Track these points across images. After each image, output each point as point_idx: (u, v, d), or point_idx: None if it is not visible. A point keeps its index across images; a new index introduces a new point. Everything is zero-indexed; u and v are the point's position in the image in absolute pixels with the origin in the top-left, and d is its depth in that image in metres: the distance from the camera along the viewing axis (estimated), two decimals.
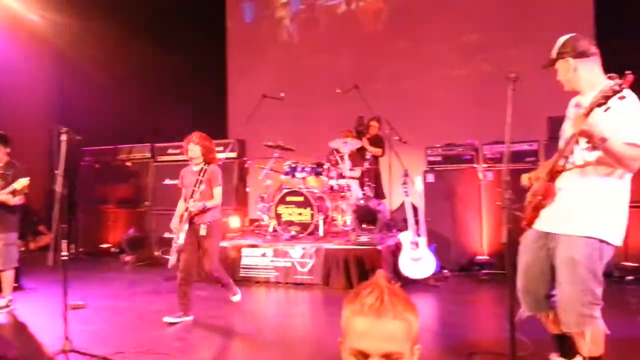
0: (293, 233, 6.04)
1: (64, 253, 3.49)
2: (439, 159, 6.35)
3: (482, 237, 5.99)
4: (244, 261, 5.78)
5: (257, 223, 6.83)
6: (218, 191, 4.36)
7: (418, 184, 5.75)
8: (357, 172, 7.14)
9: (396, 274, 5.39)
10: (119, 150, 8.03)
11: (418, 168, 6.43)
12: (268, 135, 9.08)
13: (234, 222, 6.76)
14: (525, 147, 5.70)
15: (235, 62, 9.69)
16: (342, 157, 6.69)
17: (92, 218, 7.96)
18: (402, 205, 5.84)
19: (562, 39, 2.55)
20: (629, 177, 2.45)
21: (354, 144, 6.76)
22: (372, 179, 6.98)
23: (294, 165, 6.47)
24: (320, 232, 6.07)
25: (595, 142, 2.24)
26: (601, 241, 2.42)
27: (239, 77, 9.61)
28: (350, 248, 5.45)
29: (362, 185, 6.90)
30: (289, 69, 9.30)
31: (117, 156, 8.02)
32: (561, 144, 2.56)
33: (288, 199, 6.21)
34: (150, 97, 8.45)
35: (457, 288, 5.31)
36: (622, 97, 2.16)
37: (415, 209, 5.66)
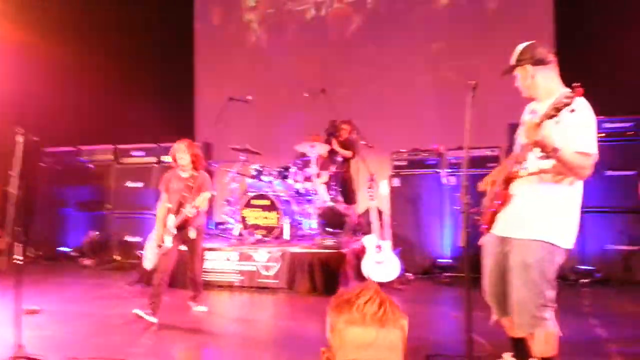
0: (258, 237, 6.01)
1: (18, 257, 3.39)
2: (404, 163, 6.43)
3: (444, 240, 6.10)
4: (208, 265, 5.70)
5: (222, 226, 6.77)
6: (207, 196, 4.45)
7: (383, 188, 5.81)
8: (325, 176, 7.16)
9: (360, 277, 5.43)
10: (80, 151, 7.83)
11: (384, 172, 6.50)
12: (235, 138, 9.05)
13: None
14: (487, 152, 5.83)
15: (202, 64, 9.58)
16: (309, 161, 6.70)
17: (51, 221, 7.73)
18: (368, 209, 5.88)
19: (520, 46, 2.61)
20: (580, 184, 2.54)
21: (321, 147, 6.78)
22: (343, 183, 7.00)
23: (260, 169, 6.45)
24: (286, 236, 6.06)
25: (547, 152, 2.32)
26: (553, 245, 2.49)
27: (206, 79, 9.51)
28: (315, 252, 5.46)
29: (330, 189, 6.93)
30: (257, 72, 9.26)
31: (78, 157, 7.82)
32: (516, 149, 2.61)
33: (254, 202, 6.18)
34: (115, 98, 8.26)
35: (419, 291, 5.39)
36: (572, 110, 2.24)
37: (380, 212, 5.72)
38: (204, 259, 5.10)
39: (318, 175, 6.99)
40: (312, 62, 8.96)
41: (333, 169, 7.04)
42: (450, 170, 6.10)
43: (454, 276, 5.67)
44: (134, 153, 7.46)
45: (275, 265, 5.51)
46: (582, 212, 5.68)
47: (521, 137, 2.56)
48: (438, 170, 6.24)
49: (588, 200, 5.64)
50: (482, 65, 7.39)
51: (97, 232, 7.35)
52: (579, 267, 5.38)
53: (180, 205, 4.37)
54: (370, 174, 6.04)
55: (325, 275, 5.30)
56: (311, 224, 6.53)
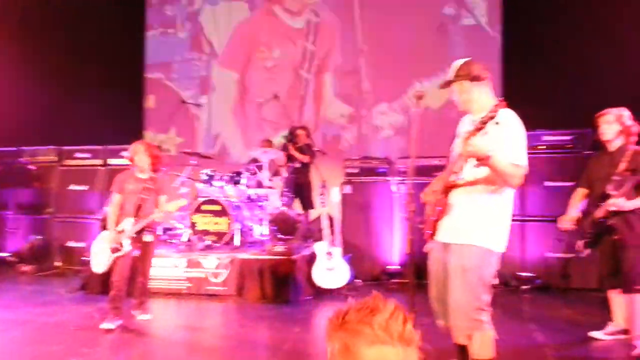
0: (208, 243, 5.91)
1: None
2: (356, 171, 6.50)
3: (394, 247, 6.20)
4: (155, 272, 5.52)
5: (170, 232, 6.61)
6: (165, 199, 4.39)
7: (335, 195, 5.85)
8: (277, 182, 7.13)
9: (310, 284, 5.43)
10: (21, 152, 7.47)
11: (335, 179, 6.55)
12: (186, 142, 8.90)
13: None
14: (435, 162, 5.97)
15: (154, 65, 9.36)
16: (261, 166, 6.66)
17: None
18: (319, 215, 5.91)
19: (458, 63, 2.75)
20: (511, 193, 2.68)
21: (273, 153, 6.76)
22: (300, 189, 6.98)
23: (211, 174, 6.35)
24: (237, 242, 5.99)
25: (481, 160, 2.46)
26: (488, 250, 2.61)
27: (157, 81, 9.30)
28: (266, 258, 5.42)
29: (283, 195, 6.91)
30: (206, 77, 9.13)
31: (19, 158, 7.46)
32: (452, 160, 2.74)
33: (204, 207, 6.07)
34: (60, 97, 7.95)
35: (367, 297, 5.42)
36: (497, 123, 2.44)
37: (331, 219, 5.76)
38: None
39: (270, 181, 6.96)
40: (266, 67, 8.94)
41: (285, 174, 7.03)
42: (400, 179, 6.22)
43: (402, 282, 5.77)
44: (78, 155, 7.17)
45: (224, 272, 5.43)
46: (524, 221, 5.94)
47: (457, 149, 2.69)
48: (388, 178, 6.34)
49: (529, 210, 5.94)
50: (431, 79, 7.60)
51: (38, 237, 7.02)
52: (520, 273, 5.60)
53: (139, 207, 4.26)
54: (322, 181, 6.08)
55: (275, 282, 5.26)
56: (262, 230, 6.49)
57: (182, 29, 9.25)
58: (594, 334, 3.88)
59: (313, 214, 6.89)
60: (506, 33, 7.69)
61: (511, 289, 5.54)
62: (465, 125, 2.79)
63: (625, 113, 3.66)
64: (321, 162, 7.13)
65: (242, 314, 4.90)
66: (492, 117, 2.39)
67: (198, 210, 6.06)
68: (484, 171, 2.55)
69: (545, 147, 5.78)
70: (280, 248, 5.51)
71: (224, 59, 9.06)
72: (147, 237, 4.33)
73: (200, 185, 6.43)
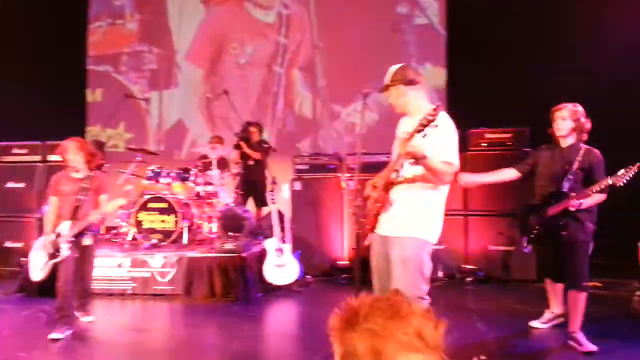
0: (154, 241, 5.77)
1: None
2: (305, 167, 6.51)
3: (344, 243, 6.26)
4: (97, 272, 5.33)
5: (114, 231, 6.41)
6: (105, 199, 4.15)
7: (285, 192, 5.85)
8: (227, 179, 7.04)
9: (260, 281, 5.41)
10: None
11: (286, 176, 6.55)
12: (131, 137, 8.63)
13: None
14: (383, 158, 6.07)
15: (101, 57, 8.98)
16: (210, 163, 6.55)
17: None
18: (270, 212, 5.89)
19: (393, 68, 2.92)
20: (445, 188, 2.87)
21: (222, 149, 6.67)
22: (254, 186, 6.90)
23: (158, 170, 6.19)
24: (185, 240, 5.88)
25: (418, 159, 2.62)
26: (426, 241, 2.80)
27: (104, 74, 8.96)
28: (215, 256, 5.34)
29: (233, 191, 6.84)
30: (158, 70, 8.89)
31: None
32: (393, 158, 2.89)
33: (150, 205, 5.91)
34: None
35: (317, 293, 5.48)
36: (436, 126, 2.62)
37: (281, 216, 5.75)
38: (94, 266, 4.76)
39: (220, 178, 6.87)
40: (217, 62, 8.80)
41: (236, 171, 6.95)
42: (349, 175, 6.29)
43: (352, 277, 5.84)
44: (15, 151, 6.80)
45: (171, 270, 5.32)
46: (468, 216, 6.13)
47: (397, 149, 2.86)
48: (338, 175, 6.40)
49: (472, 204, 6.14)
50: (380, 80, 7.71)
51: None
52: (464, 266, 5.79)
53: (76, 209, 4.00)
54: (272, 177, 6.06)
55: (225, 280, 5.20)
56: (211, 227, 6.40)
57: (132, 19, 8.93)
58: (533, 323, 4.06)
59: (265, 211, 6.86)
60: (451, 33, 7.91)
61: (455, 282, 5.72)
62: (403, 126, 2.95)
63: (580, 109, 3.60)
64: (271, 158, 7.11)
65: (190, 313, 4.82)
66: (431, 120, 2.54)
67: (144, 208, 5.89)
68: (421, 169, 2.72)
69: (487, 144, 5.99)
70: (229, 245, 5.45)
71: (191, 55, 8.77)
72: (86, 241, 4.08)
73: (145, 182, 6.26)
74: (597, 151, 3.58)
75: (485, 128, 6.03)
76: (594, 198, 3.44)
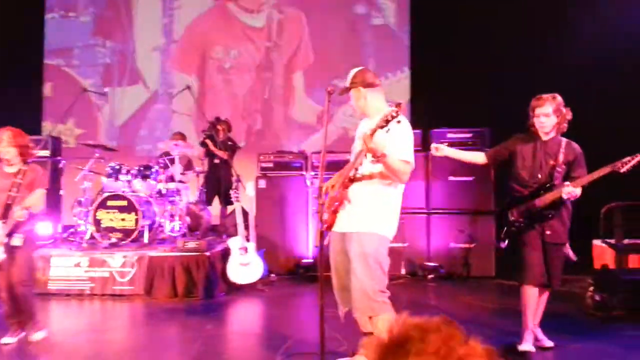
0: (114, 240, 5.62)
1: None
2: (270, 165, 6.48)
3: (309, 241, 6.27)
4: (54, 272, 5.19)
5: (72, 230, 6.20)
6: (40, 194, 3.77)
7: (249, 190, 5.79)
8: (190, 176, 6.93)
9: (224, 280, 5.35)
10: None
11: (251, 174, 6.49)
12: (89, 133, 8.37)
13: (45, 228, 6.03)
14: (347, 157, 6.10)
15: (53, 50, 8.66)
16: (173, 160, 6.43)
17: None
18: (234, 210, 5.82)
19: (353, 71, 3.00)
20: (402, 187, 2.95)
21: (185, 146, 6.56)
22: (218, 184, 6.79)
23: (117, 167, 6.03)
24: (146, 239, 5.75)
25: (377, 157, 2.68)
26: (384, 237, 2.88)
27: (56, 68, 8.64)
28: (177, 255, 5.25)
29: (197, 189, 6.73)
30: (117, 64, 8.65)
31: None
32: (352, 157, 2.96)
33: (109, 203, 5.75)
34: None
35: (282, 291, 5.46)
36: (399, 122, 2.70)
37: (246, 214, 5.70)
38: (36, 269, 4.35)
39: (183, 175, 6.75)
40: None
41: (199, 169, 6.84)
42: (314, 173, 6.29)
43: (316, 275, 5.84)
44: None
45: (131, 270, 5.19)
46: (430, 214, 6.23)
47: (356, 147, 2.95)
48: (303, 173, 6.39)
49: (434, 203, 6.25)
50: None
51: None
52: (427, 264, 5.89)
53: (8, 207, 3.63)
54: (236, 175, 5.99)
55: (187, 280, 5.12)
56: (174, 225, 6.28)
57: (85, 12, 8.64)
58: (524, 347, 3.48)
59: (230, 209, 6.77)
60: (414, 35, 8.02)
61: (418, 278, 5.81)
62: (362, 127, 3.03)
63: (560, 100, 3.42)
64: (236, 156, 7.03)
65: (151, 313, 4.71)
66: (394, 117, 2.60)
67: (102, 205, 5.73)
68: (380, 167, 2.79)
69: (448, 144, 6.08)
70: (192, 244, 5.35)
71: (175, 60, 8.54)
72: (15, 241, 3.66)
73: (104, 180, 6.09)
74: (575, 144, 3.47)
75: (447, 128, 6.15)
76: (578, 191, 3.28)
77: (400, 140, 2.80)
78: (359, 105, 3.00)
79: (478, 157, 3.74)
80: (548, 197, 3.36)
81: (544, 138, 3.49)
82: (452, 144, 6.05)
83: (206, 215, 6.18)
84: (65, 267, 5.18)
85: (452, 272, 5.87)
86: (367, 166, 2.84)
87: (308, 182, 6.29)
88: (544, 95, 3.44)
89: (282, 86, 8.41)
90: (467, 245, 5.90)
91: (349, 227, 2.87)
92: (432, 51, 7.52)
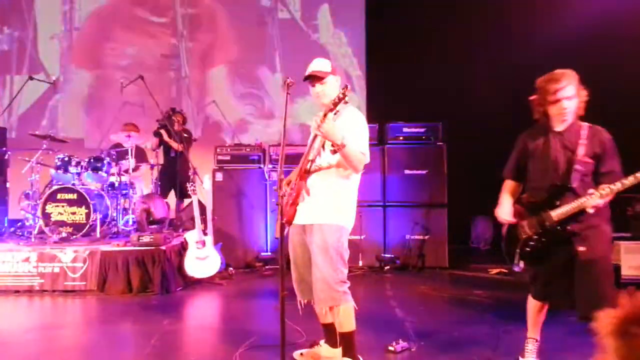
0: (64, 235, 5.43)
1: None
2: (227, 158, 6.41)
3: (267, 234, 6.26)
4: (1, 268, 4.98)
5: (19, 224, 5.95)
6: None
7: (206, 183, 5.71)
8: (144, 168, 6.77)
9: (180, 274, 5.27)
10: None
11: (208, 166, 6.41)
12: (37, 123, 8.02)
13: None
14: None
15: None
16: (125, 152, 6.26)
17: None
18: (191, 204, 5.74)
19: (322, 60, 2.99)
20: (358, 177, 2.97)
21: (138, 138, 6.39)
22: (174, 177, 6.64)
23: (67, 159, 5.82)
24: (97, 233, 5.58)
25: (338, 146, 2.69)
26: (343, 227, 2.91)
27: (5, 53, 8.21)
28: (131, 249, 5.13)
29: (151, 182, 6.58)
30: (16, 52, 8.24)
31: None
32: (309, 149, 2.91)
33: (59, 196, 5.56)
34: None
35: (240, 285, 5.43)
36: (346, 102, 2.72)
37: (203, 207, 5.62)
38: None
39: (136, 168, 6.59)
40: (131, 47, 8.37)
41: (154, 160, 6.69)
42: (272, 166, 6.28)
43: (275, 268, 5.86)
44: None
45: (82, 265, 5.03)
46: (386, 207, 6.33)
47: (313, 138, 2.90)
48: (261, 166, 6.37)
49: (390, 196, 6.37)
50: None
51: None
52: (384, 255, 6.01)
53: None
54: (192, 168, 5.90)
55: (142, 275, 5.02)
56: (127, 219, 6.13)
57: None
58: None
59: (187, 202, 6.66)
60: (368, 33, 8.11)
61: (375, 270, 5.93)
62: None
63: (575, 74, 2.70)
64: (192, 148, 6.92)
65: (104, 310, 4.59)
66: (342, 98, 2.62)
67: (52, 199, 5.53)
68: (336, 158, 2.81)
69: (403, 138, 6.24)
70: (147, 238, 5.25)
71: (74, 56, 8.24)
72: None
73: (53, 172, 5.86)
74: (601, 129, 2.73)
75: (402, 122, 6.27)
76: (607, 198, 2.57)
77: (356, 131, 2.82)
78: (325, 94, 2.91)
79: (511, 187, 2.98)
80: (567, 211, 2.63)
81: (558, 128, 2.75)
82: (408, 138, 6.22)
83: (168, 208, 6.04)
84: (13, 263, 4.97)
85: (408, 263, 6.02)
86: (325, 157, 2.84)
87: (266, 175, 6.27)
88: (558, 72, 2.69)
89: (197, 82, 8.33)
90: (421, 237, 6.06)
91: (310, 219, 2.89)
92: (387, 46, 7.63)
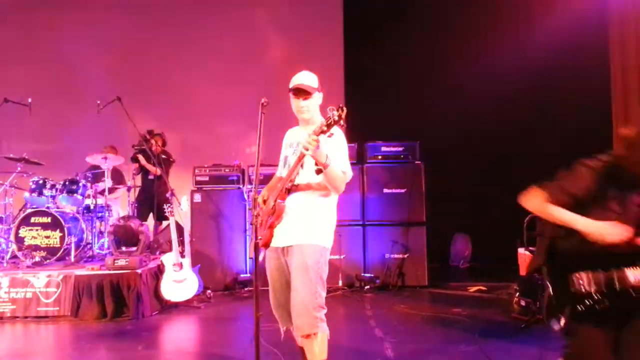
0: (37, 259, 5.31)
1: None
2: (206, 179, 6.37)
3: (245, 255, 6.20)
4: None
5: None
6: None
7: (184, 204, 5.66)
8: (121, 191, 6.69)
9: (157, 298, 5.18)
10: None
11: (186, 188, 6.36)
12: (12, 146, 7.88)
13: None
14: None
15: None
16: (102, 174, 6.18)
17: None
18: (168, 226, 5.67)
19: (312, 75, 2.85)
20: (335, 197, 2.86)
21: (115, 159, 6.32)
22: (152, 199, 6.53)
23: (41, 182, 5.72)
24: (72, 258, 5.47)
25: (321, 164, 2.56)
26: (324, 248, 2.79)
27: None
28: (106, 273, 5.02)
29: (128, 204, 6.49)
30: (49, 73, 8.18)
31: None
32: (286, 169, 2.84)
33: (33, 219, 5.47)
34: None
35: (218, 307, 5.35)
36: (342, 125, 2.51)
37: (180, 229, 5.56)
38: None
39: (113, 190, 6.51)
40: (106, 68, 8.32)
41: (130, 183, 6.62)
42: (251, 186, 6.25)
43: (253, 290, 5.77)
44: None
45: (56, 290, 4.91)
46: (366, 226, 6.31)
47: (290, 158, 2.82)
48: (240, 186, 6.33)
49: (369, 215, 6.37)
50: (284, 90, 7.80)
51: None
52: (363, 275, 5.98)
53: None
54: (169, 189, 5.84)
55: (117, 299, 4.91)
56: (103, 243, 6.02)
57: None
58: None
59: (165, 224, 6.57)
60: (347, 46, 8.21)
61: (355, 290, 5.89)
62: (294, 135, 2.92)
63: None
64: (171, 169, 6.86)
65: (78, 336, 4.47)
66: (337, 121, 2.45)
67: (25, 222, 5.42)
68: (316, 178, 2.69)
69: (382, 157, 6.29)
70: (122, 262, 5.14)
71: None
72: None
73: (27, 195, 5.76)
74: None
75: (380, 141, 6.33)
76: None
77: (339, 151, 2.71)
78: (315, 110, 2.82)
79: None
80: None
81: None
82: (386, 157, 6.27)
83: (144, 231, 5.94)
84: None
85: (388, 283, 6.00)
86: (304, 176, 2.75)
87: (245, 196, 6.24)
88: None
89: None
90: (401, 256, 6.06)
91: (288, 240, 2.77)
92: (364, 71, 7.74)
